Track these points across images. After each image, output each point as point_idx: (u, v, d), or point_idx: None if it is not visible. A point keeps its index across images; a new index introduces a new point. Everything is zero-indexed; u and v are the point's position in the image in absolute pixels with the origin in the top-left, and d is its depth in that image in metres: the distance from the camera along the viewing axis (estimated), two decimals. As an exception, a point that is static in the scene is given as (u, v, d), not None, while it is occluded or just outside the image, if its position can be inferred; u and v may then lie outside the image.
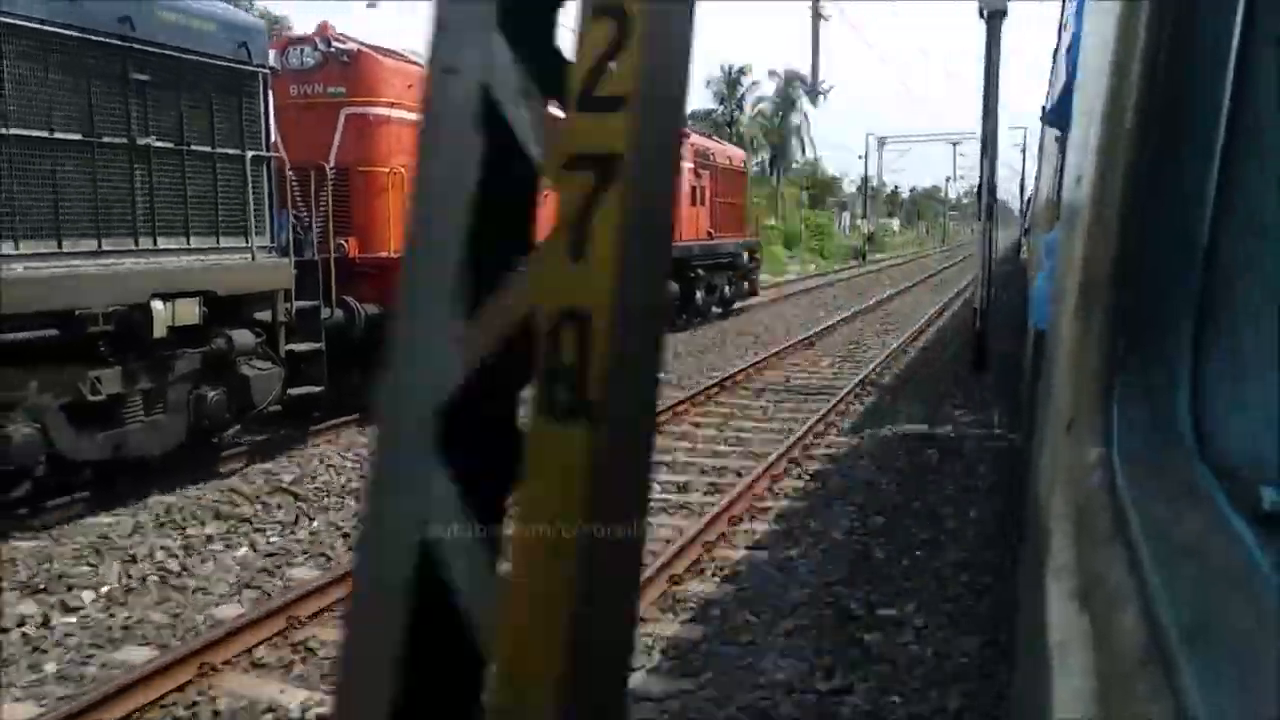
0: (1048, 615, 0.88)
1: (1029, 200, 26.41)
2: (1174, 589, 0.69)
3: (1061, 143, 5.14)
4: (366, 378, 10.15)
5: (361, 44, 10.15)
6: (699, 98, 58.06)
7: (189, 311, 7.37)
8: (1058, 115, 5.87)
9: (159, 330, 7.09)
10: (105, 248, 7.04)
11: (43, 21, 6.52)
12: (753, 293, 23.21)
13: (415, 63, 10.91)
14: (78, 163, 6.86)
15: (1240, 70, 0.86)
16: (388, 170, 10.00)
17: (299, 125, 9.87)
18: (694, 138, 19.62)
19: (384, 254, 10.07)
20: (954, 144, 69.32)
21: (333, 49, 9.90)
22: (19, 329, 6.26)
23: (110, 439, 7.00)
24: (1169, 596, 0.68)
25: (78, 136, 6.83)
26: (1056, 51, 8.19)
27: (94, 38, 6.87)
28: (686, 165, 18.43)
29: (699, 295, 19.19)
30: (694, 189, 18.98)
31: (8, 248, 6.39)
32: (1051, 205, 6.73)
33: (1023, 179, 35.45)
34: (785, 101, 64.02)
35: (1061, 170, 4.46)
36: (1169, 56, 0.89)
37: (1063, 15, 7.21)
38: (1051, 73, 9.31)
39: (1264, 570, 0.71)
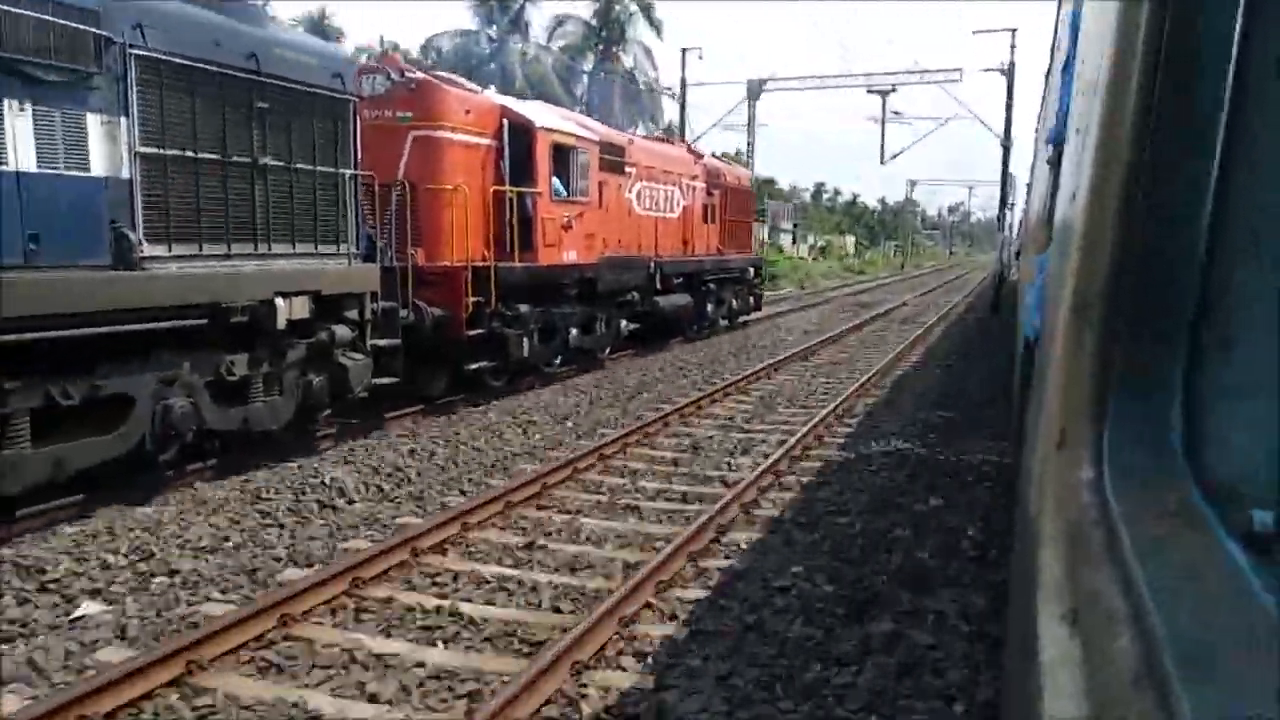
0: (1039, 635, 0.86)
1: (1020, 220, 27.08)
2: (1167, 610, 0.68)
3: (1054, 162, 5.22)
4: (433, 371, 11.34)
5: (427, 74, 11.38)
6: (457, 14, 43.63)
7: (302, 307, 8.55)
8: (1052, 135, 6.34)
9: (280, 322, 8.26)
10: (233, 251, 8.21)
11: (193, 59, 7.72)
12: (757, 307, 24.45)
13: (473, 90, 12.18)
14: (213, 178, 8.03)
15: (1237, 91, 0.85)
16: (451, 188, 11.22)
17: (370, 146, 11.04)
18: (707, 159, 20.91)
19: (445, 263, 11.27)
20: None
21: (403, 78, 11.12)
22: (177, 318, 7.42)
23: (240, 414, 8.17)
24: (1162, 618, 0.67)
25: (215, 156, 8.01)
26: (1049, 72, 8.18)
27: (229, 72, 8.07)
28: (699, 184, 19.74)
29: (709, 308, 20.42)
30: (705, 207, 20.27)
31: (161, 250, 7.56)
32: (1043, 225, 6.89)
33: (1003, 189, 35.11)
34: (607, 23, 46.47)
35: (1054, 190, 4.65)
36: (1165, 75, 0.87)
37: (1055, 36, 7.25)
38: (1044, 93, 9.38)
39: (1257, 592, 0.70)
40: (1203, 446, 0.88)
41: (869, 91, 40.32)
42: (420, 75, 11.33)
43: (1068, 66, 3.62)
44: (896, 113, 44.87)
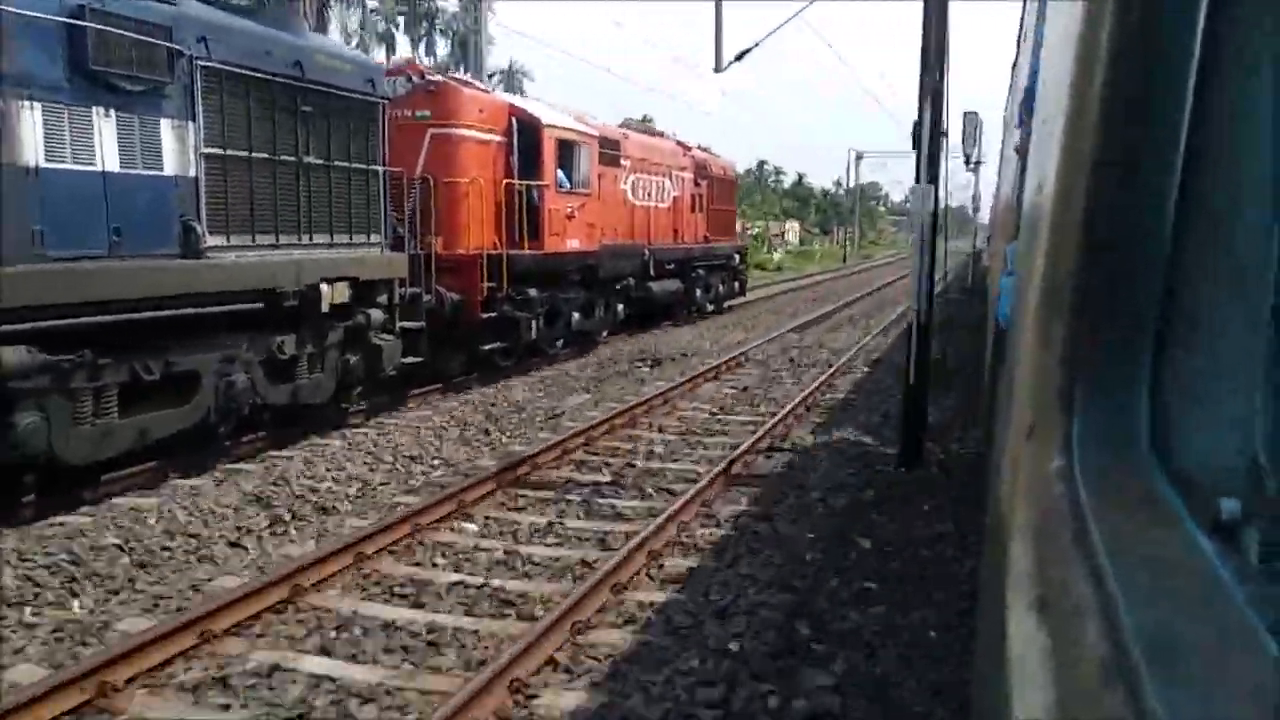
0: (1008, 626, 0.86)
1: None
2: (1136, 601, 0.68)
3: (1021, 150, 5.29)
4: (450, 352, 12.21)
5: (445, 76, 12.20)
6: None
7: (342, 293, 9.40)
8: (1018, 122, 5.96)
9: (325, 306, 9.11)
10: (280, 241, 9.04)
11: (248, 67, 8.53)
12: (741, 292, 25.42)
13: (485, 90, 13.02)
14: (265, 175, 8.85)
15: (1202, 79, 0.85)
16: (467, 181, 12.07)
17: (393, 143, 11.84)
18: (694, 151, 21.80)
19: (462, 251, 12.13)
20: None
21: (423, 80, 11.94)
22: (239, 301, 8.26)
23: (289, 389, 9.03)
24: (1131, 609, 0.68)
25: (265, 155, 8.83)
26: (1016, 61, 8.50)
27: (278, 79, 8.88)
28: (687, 175, 20.64)
29: (698, 293, 21.37)
30: (694, 197, 21.17)
31: (221, 240, 8.38)
32: (1012, 212, 6.60)
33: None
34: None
35: (1022, 178, 4.42)
36: (1131, 63, 0.88)
37: (1022, 25, 7.38)
38: (1010, 81, 9.70)
39: (1224, 581, 0.71)
40: (1170, 436, 0.89)
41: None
42: (439, 77, 12.16)
43: (1034, 56, 3.53)
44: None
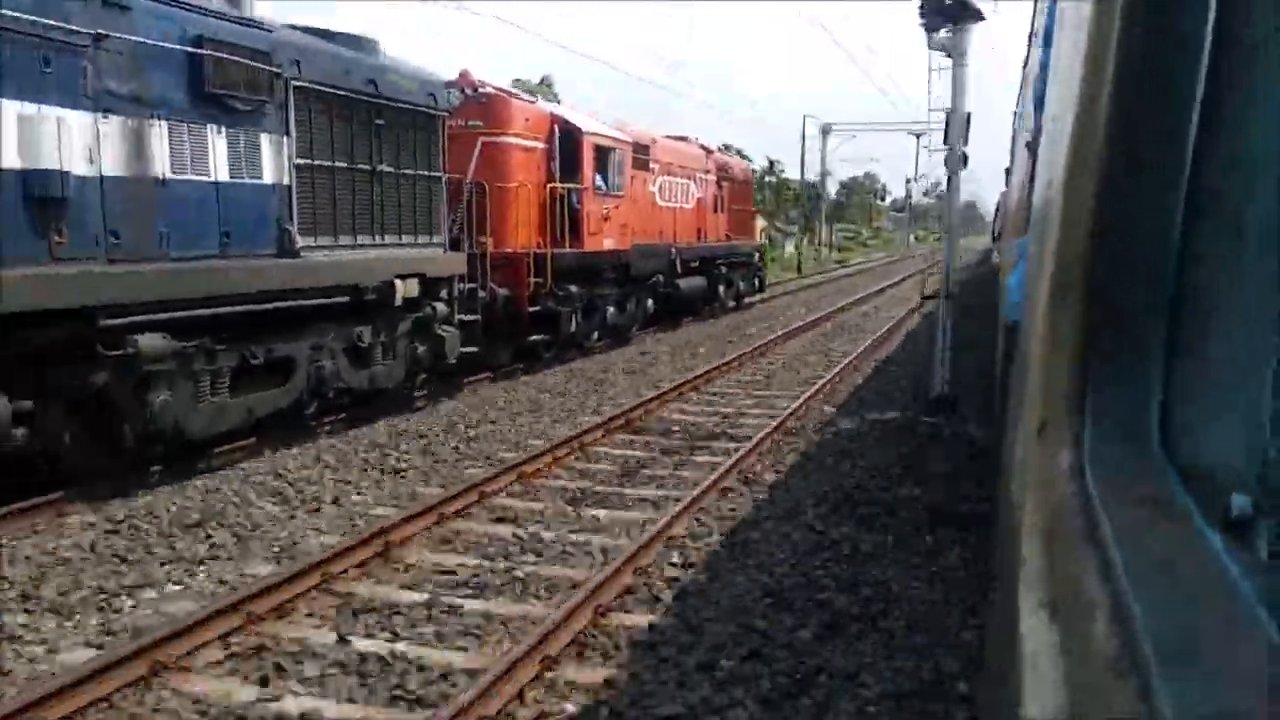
0: (1020, 623, 0.87)
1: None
2: (1146, 598, 0.69)
3: (1032, 147, 5.38)
4: (501, 344, 13.21)
5: (496, 88, 13.20)
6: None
7: (413, 288, 10.40)
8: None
9: (399, 299, 10.11)
10: (358, 242, 10.04)
11: (331, 86, 9.52)
12: (760, 289, 26.35)
13: (530, 101, 14.01)
14: (345, 182, 9.85)
15: (1212, 71, 0.85)
16: (515, 185, 13.06)
17: (448, 150, 12.88)
18: (716, 154, 22.75)
19: (509, 250, 13.12)
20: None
21: (475, 93, 12.93)
22: (324, 296, 9.26)
23: (367, 374, 10.03)
24: (1141, 606, 0.68)
25: (346, 164, 9.83)
26: (1027, 58, 8.53)
27: (356, 96, 9.88)
28: (710, 177, 21.59)
29: (720, 289, 22.32)
30: (715, 198, 22.13)
31: (309, 241, 9.38)
32: (1023, 210, 6.73)
33: None
34: None
35: (1032, 176, 4.37)
36: (1141, 58, 0.88)
37: (1033, 25, 7.42)
38: (1021, 78, 9.72)
39: (1235, 578, 0.71)
40: (1181, 432, 0.88)
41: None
42: (490, 90, 13.14)
43: (1045, 52, 3.56)
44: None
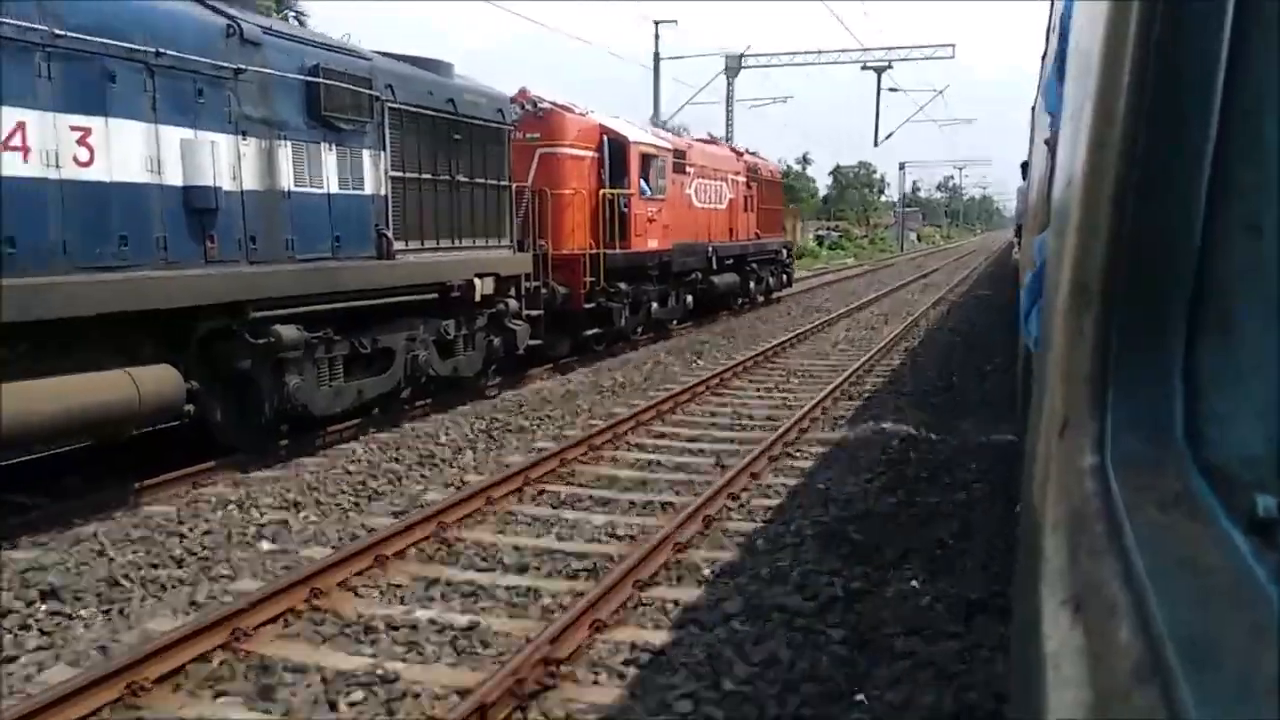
0: (1042, 623, 0.87)
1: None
2: (1169, 600, 0.68)
3: (1051, 143, 5.19)
4: (559, 337, 14.37)
5: (552, 103, 14.39)
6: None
7: (489, 285, 11.58)
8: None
9: (478, 296, 11.29)
10: (441, 245, 11.22)
11: (417, 106, 10.71)
12: (788, 284, 27.45)
13: (582, 114, 15.20)
14: (430, 192, 11.04)
15: (1232, 66, 0.84)
16: (570, 192, 14.24)
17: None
18: (746, 156, 23.88)
19: (567, 251, 14.30)
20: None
21: (533, 108, 14.12)
22: (417, 293, 10.44)
23: (452, 363, 11.22)
24: (1164, 608, 0.67)
25: (430, 176, 11.02)
26: (1045, 53, 8.43)
27: (438, 114, 11.06)
28: (740, 179, 22.72)
29: (751, 285, 23.44)
30: (746, 198, 23.24)
31: (402, 244, 10.56)
32: (1043, 203, 6.32)
33: None
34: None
35: (1051, 171, 4.34)
36: (1160, 53, 0.87)
37: (1050, 17, 7.43)
38: (1040, 73, 9.50)
39: (1260, 580, 0.70)
40: (1205, 432, 0.86)
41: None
42: (546, 104, 14.34)
43: (1062, 48, 4.03)
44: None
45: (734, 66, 36.98)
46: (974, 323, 20.66)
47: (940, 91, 41.68)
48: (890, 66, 37.51)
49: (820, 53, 38.14)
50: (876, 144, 41.13)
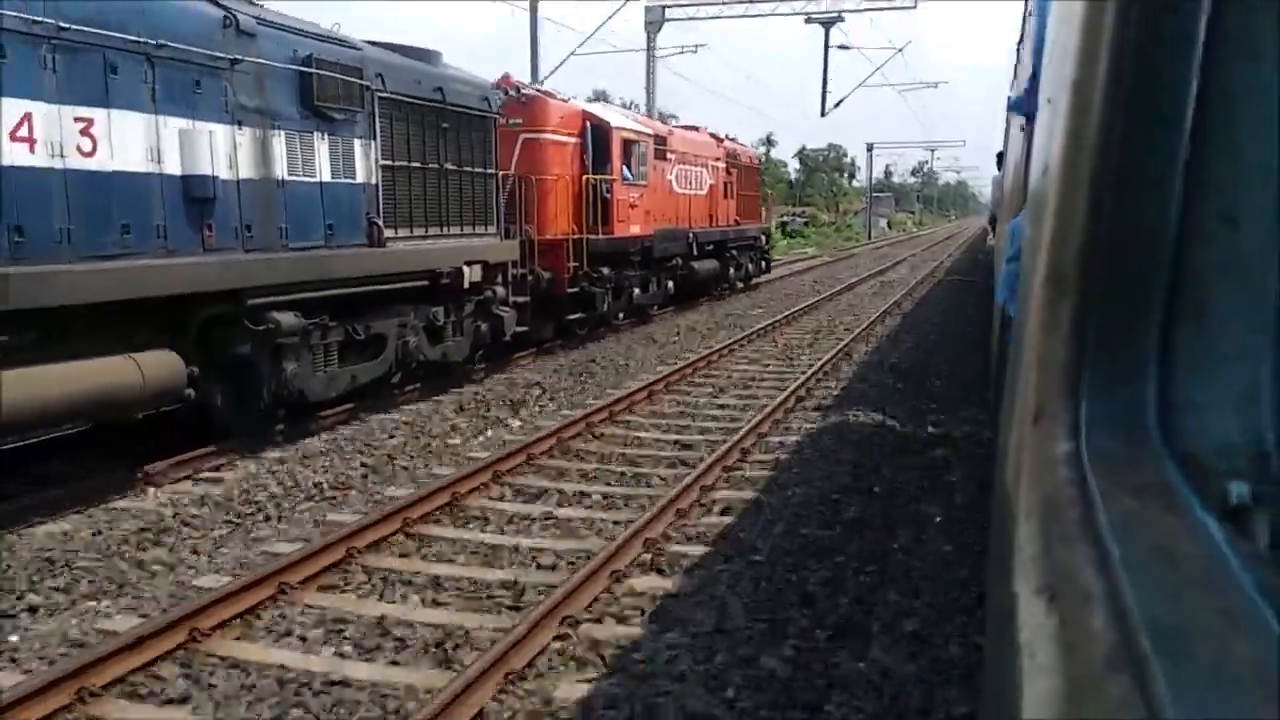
0: (1016, 612, 0.87)
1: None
2: (1143, 588, 0.69)
3: (1027, 131, 5.22)
4: (543, 322, 14.59)
5: (535, 89, 14.55)
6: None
7: (477, 272, 11.77)
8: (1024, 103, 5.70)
9: (466, 283, 11.48)
10: (430, 232, 11.40)
11: (406, 95, 10.86)
12: (766, 270, 27.75)
13: (564, 100, 15.37)
14: (419, 180, 11.20)
15: (1208, 55, 0.84)
16: (553, 178, 14.43)
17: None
18: (725, 142, 24.11)
19: (550, 237, 14.50)
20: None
21: (516, 94, 14.28)
22: (408, 280, 10.62)
23: (441, 349, 11.42)
24: (1138, 596, 0.68)
25: (419, 164, 11.18)
26: (1021, 40, 8.45)
27: (427, 103, 11.22)
28: (721, 165, 22.95)
29: (730, 271, 23.72)
30: (725, 184, 23.48)
31: (392, 232, 10.73)
32: (1019, 191, 6.54)
33: None
34: None
35: (1027, 157, 4.26)
36: (1136, 40, 0.87)
37: (1027, 3, 7.33)
38: (1016, 60, 9.51)
39: (1233, 568, 0.71)
40: (1178, 419, 0.87)
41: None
42: (529, 90, 14.50)
43: (1039, 33, 3.51)
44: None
45: (656, 20, 30.67)
46: (930, 356, 14.30)
47: (900, 49, 36.94)
48: (841, 19, 32.34)
49: (753, 1, 31.42)
50: (824, 113, 34.99)
